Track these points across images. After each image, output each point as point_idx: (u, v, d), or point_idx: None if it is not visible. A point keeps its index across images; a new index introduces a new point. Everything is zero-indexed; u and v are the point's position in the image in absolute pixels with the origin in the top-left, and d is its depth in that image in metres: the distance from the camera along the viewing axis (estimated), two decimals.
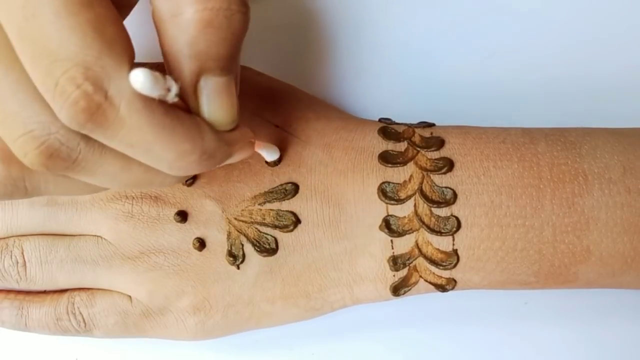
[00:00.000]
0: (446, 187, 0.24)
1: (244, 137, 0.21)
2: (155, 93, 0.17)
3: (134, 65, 0.17)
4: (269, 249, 0.25)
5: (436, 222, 0.24)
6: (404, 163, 0.25)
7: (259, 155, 0.24)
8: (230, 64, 0.19)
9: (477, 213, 0.24)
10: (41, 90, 0.17)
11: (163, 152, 0.18)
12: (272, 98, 0.27)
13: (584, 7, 0.31)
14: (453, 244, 0.24)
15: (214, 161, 0.19)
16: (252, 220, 0.25)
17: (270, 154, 0.24)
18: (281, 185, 0.25)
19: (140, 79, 0.16)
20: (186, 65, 0.18)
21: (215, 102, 0.19)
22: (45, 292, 0.27)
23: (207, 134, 0.18)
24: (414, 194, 0.24)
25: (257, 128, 0.26)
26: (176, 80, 0.18)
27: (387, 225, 0.24)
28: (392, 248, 0.25)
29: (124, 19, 0.22)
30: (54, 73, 0.16)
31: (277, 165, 0.25)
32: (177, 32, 0.18)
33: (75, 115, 0.16)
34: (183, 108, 0.18)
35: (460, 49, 0.31)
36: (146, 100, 0.17)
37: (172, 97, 0.17)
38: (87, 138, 0.18)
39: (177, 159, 0.18)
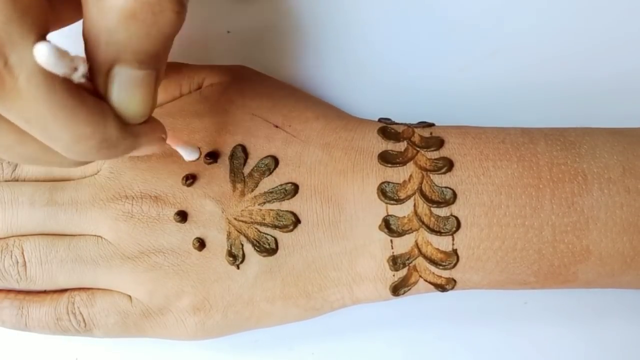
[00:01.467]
0: (446, 187, 0.24)
1: (153, 131, 0.20)
2: (59, 70, 0.16)
3: (44, 38, 0.16)
4: (268, 249, 0.25)
5: (436, 222, 0.24)
6: (404, 163, 0.25)
7: None
8: (150, 59, 0.18)
9: (477, 213, 0.24)
10: None
11: (60, 132, 0.17)
12: (271, 98, 0.27)
13: (584, 8, 0.31)
14: (453, 244, 0.24)
15: (116, 151, 0.19)
16: (252, 220, 0.25)
17: (188, 154, 0.24)
18: (281, 185, 0.25)
19: (44, 53, 0.15)
20: (102, 51, 0.17)
21: (126, 93, 0.18)
22: (45, 292, 0.27)
23: (111, 122, 0.18)
24: (413, 194, 0.24)
25: (256, 128, 0.26)
26: (90, 62, 0.17)
27: (387, 225, 0.24)
28: (392, 248, 0.25)
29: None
30: None
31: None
32: (99, 15, 0.17)
33: None
34: (92, 92, 0.18)
35: (460, 49, 0.31)
36: (48, 75, 0.16)
37: (78, 77, 0.16)
38: None
39: (74, 141, 0.17)
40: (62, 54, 0.16)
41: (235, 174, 0.25)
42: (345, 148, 0.26)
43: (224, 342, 0.28)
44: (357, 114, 0.28)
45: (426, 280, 0.25)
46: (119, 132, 0.18)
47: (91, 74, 0.18)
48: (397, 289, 0.25)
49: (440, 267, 0.24)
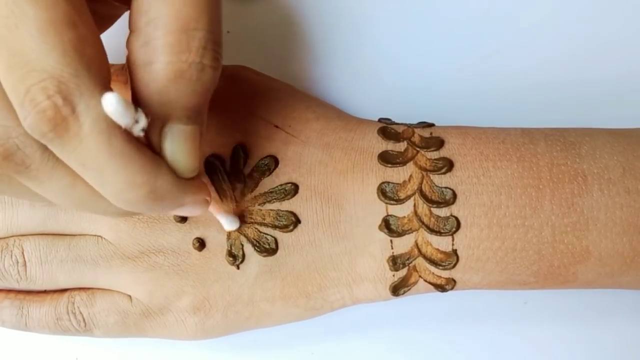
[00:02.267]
0: (446, 187, 0.24)
1: (200, 190, 0.21)
2: (123, 121, 0.17)
3: (108, 88, 0.17)
4: (268, 249, 0.25)
5: (436, 222, 0.24)
6: (404, 163, 0.25)
7: None
8: (197, 114, 0.19)
9: (477, 213, 0.24)
10: (10, 96, 0.17)
11: (113, 177, 0.18)
12: (271, 98, 0.27)
13: (584, 8, 0.31)
14: (452, 244, 0.24)
15: (162, 204, 0.20)
16: (252, 220, 0.25)
17: (229, 223, 0.24)
18: (281, 185, 0.25)
19: (112, 103, 0.16)
20: (155, 110, 0.19)
21: (178, 148, 0.19)
22: (45, 291, 0.27)
23: (163, 174, 0.19)
24: (413, 194, 0.24)
25: (256, 128, 0.26)
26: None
27: (387, 225, 0.24)
28: (392, 248, 0.25)
29: (106, 29, 0.23)
30: (28, 81, 0.17)
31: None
32: (149, 79, 0.18)
33: (39, 123, 0.17)
34: (147, 145, 0.19)
35: (460, 49, 0.31)
36: (111, 124, 0.17)
37: (138, 130, 0.18)
38: (44, 148, 0.18)
39: (125, 189, 0.18)
40: (127, 104, 0.17)
41: (235, 174, 0.25)
42: (345, 148, 0.26)
43: (224, 342, 0.28)
44: (357, 114, 0.28)
45: (426, 281, 0.25)
46: (170, 186, 0.19)
47: (145, 131, 0.19)
48: (397, 289, 0.25)
49: (440, 267, 0.24)
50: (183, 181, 0.20)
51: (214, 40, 0.19)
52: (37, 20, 0.16)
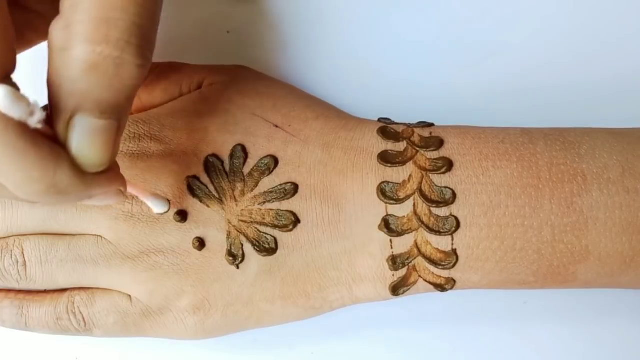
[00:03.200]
0: (445, 187, 0.24)
1: (109, 182, 0.20)
2: (14, 113, 0.16)
3: (6, 80, 0.17)
4: (268, 249, 0.25)
5: (435, 222, 0.24)
6: (403, 163, 0.25)
7: None
8: (112, 109, 0.18)
9: (476, 213, 0.24)
10: None
11: (9, 172, 0.17)
12: (271, 98, 0.27)
13: (583, 8, 0.31)
14: (452, 244, 0.24)
15: (65, 197, 0.19)
16: (252, 220, 0.25)
17: (157, 205, 0.24)
18: (281, 185, 0.25)
19: (1, 95, 0.16)
20: (64, 99, 0.18)
21: (85, 142, 0.18)
22: (45, 291, 0.27)
23: (62, 169, 0.18)
24: (413, 194, 0.24)
25: (256, 127, 0.26)
26: (52, 109, 0.18)
27: (387, 225, 0.24)
28: (392, 248, 0.25)
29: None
30: None
31: (164, 215, 0.25)
32: (62, 65, 0.17)
33: None
34: (49, 136, 0.18)
35: (459, 49, 0.31)
36: (2, 118, 0.16)
37: (34, 122, 0.17)
38: None
39: (22, 183, 0.18)
40: (19, 97, 0.16)
41: (235, 174, 0.25)
42: (345, 148, 0.26)
43: (224, 341, 0.28)
44: (357, 114, 0.28)
45: (425, 280, 0.25)
46: (69, 180, 0.18)
47: (53, 120, 0.18)
48: (397, 289, 0.25)
49: (440, 267, 0.24)
50: (88, 175, 0.19)
51: (141, 35, 0.18)
52: None
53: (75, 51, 0.17)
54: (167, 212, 0.24)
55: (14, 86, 0.17)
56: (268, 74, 0.29)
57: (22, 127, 0.17)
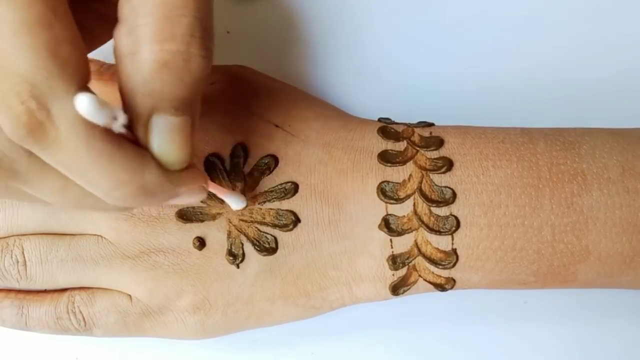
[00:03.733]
0: (445, 187, 0.24)
1: (194, 180, 0.20)
2: (99, 120, 0.17)
3: (85, 88, 0.17)
4: (268, 248, 0.25)
5: (435, 222, 0.24)
6: (404, 162, 0.25)
7: None
8: (185, 105, 0.19)
9: (476, 212, 0.24)
10: None
11: (99, 178, 0.18)
12: (271, 97, 0.27)
13: (583, 8, 0.31)
14: (452, 244, 0.24)
15: (155, 198, 0.19)
16: (252, 219, 0.25)
17: (235, 202, 0.24)
18: (281, 184, 0.25)
19: (84, 104, 0.16)
20: (140, 102, 0.18)
21: (165, 140, 0.19)
22: (45, 291, 0.27)
23: (150, 169, 0.18)
24: (413, 194, 0.24)
25: (256, 127, 0.26)
26: (130, 113, 0.18)
27: (387, 225, 0.24)
28: (392, 247, 0.25)
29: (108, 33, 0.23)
30: (2, 85, 0.16)
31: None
32: (133, 69, 0.18)
33: (16, 129, 0.17)
34: (132, 141, 0.19)
35: (460, 48, 0.31)
36: (89, 125, 0.17)
37: (118, 127, 0.17)
38: (29, 153, 0.18)
39: (113, 187, 0.18)
40: (102, 104, 0.16)
41: (235, 173, 0.25)
42: (345, 147, 0.26)
43: (224, 341, 0.28)
44: (357, 114, 0.28)
45: (426, 280, 0.25)
46: (158, 180, 0.19)
47: (131, 124, 0.18)
48: (397, 289, 0.25)
49: (440, 267, 0.24)
50: (174, 173, 0.19)
51: (203, 27, 0.18)
52: (11, 22, 0.16)
53: (144, 53, 0.17)
54: (245, 207, 0.24)
55: (93, 94, 0.18)
56: (268, 74, 0.29)
57: (107, 133, 0.17)
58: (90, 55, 0.23)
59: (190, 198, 0.21)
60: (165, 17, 0.17)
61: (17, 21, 0.16)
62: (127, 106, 0.18)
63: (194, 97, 0.19)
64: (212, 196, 0.25)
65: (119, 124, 0.17)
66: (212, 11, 0.19)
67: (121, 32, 0.18)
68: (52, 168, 0.18)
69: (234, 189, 0.25)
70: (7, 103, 0.16)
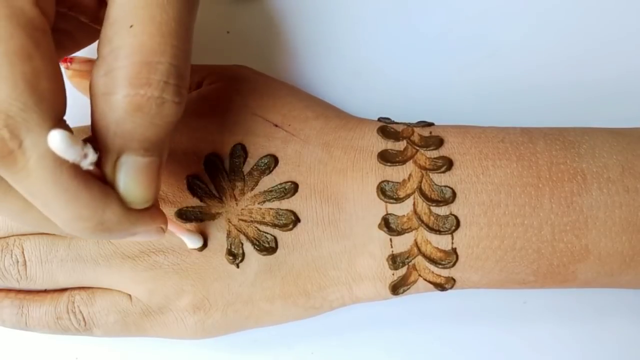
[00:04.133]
0: (445, 186, 0.24)
1: (152, 220, 0.21)
2: (69, 156, 0.17)
3: (60, 123, 0.17)
4: (268, 248, 0.25)
5: (435, 221, 0.24)
6: (403, 162, 0.25)
7: None
8: (154, 147, 0.19)
9: (476, 212, 0.24)
10: None
11: (61, 211, 0.18)
12: (271, 97, 0.27)
13: (583, 8, 0.31)
14: (452, 243, 0.24)
15: (110, 234, 0.20)
16: (252, 219, 0.25)
17: (192, 241, 0.25)
18: (280, 184, 0.25)
19: (56, 140, 0.16)
20: (110, 141, 0.19)
21: (131, 179, 0.19)
22: (45, 291, 0.27)
23: (111, 208, 0.19)
24: (413, 193, 0.24)
25: (256, 127, 0.26)
26: (99, 150, 0.18)
27: (387, 224, 0.24)
28: (391, 247, 0.25)
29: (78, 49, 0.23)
30: None
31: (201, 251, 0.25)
32: (107, 109, 0.18)
33: None
34: (99, 177, 0.19)
35: (459, 48, 0.31)
36: (57, 160, 0.17)
37: (86, 165, 0.17)
38: None
39: (72, 220, 0.18)
40: (74, 141, 0.17)
41: (235, 173, 0.25)
42: (344, 147, 0.26)
43: (224, 341, 0.28)
44: (357, 114, 0.28)
45: (425, 279, 0.25)
46: (117, 219, 0.19)
47: (100, 161, 0.19)
48: (397, 288, 0.25)
49: (440, 266, 0.24)
50: (134, 213, 0.20)
51: (178, 74, 0.19)
52: None
53: (119, 95, 0.18)
54: (201, 247, 0.25)
55: (67, 129, 0.18)
56: (268, 74, 0.29)
57: (75, 170, 0.18)
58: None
59: (147, 237, 0.22)
60: (142, 62, 0.18)
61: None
62: (98, 143, 0.19)
63: (164, 139, 0.19)
64: (211, 195, 0.25)
65: (88, 161, 0.17)
66: (190, 57, 0.20)
67: (99, 72, 0.18)
68: (15, 192, 0.18)
69: (234, 188, 0.25)
70: None
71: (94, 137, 0.19)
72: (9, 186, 0.18)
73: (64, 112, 0.18)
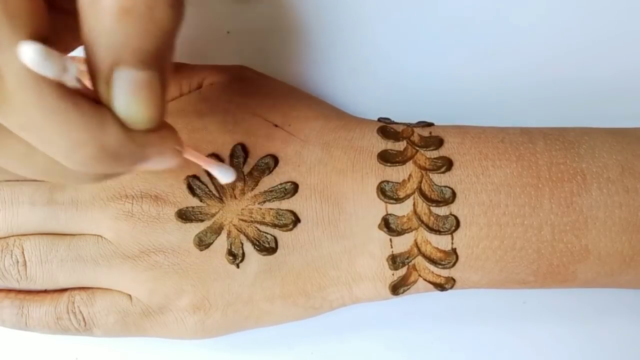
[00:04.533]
0: (445, 186, 0.24)
1: (164, 140, 0.19)
2: (47, 71, 0.15)
3: (38, 38, 0.15)
4: (268, 248, 0.25)
5: (435, 221, 0.24)
6: (403, 162, 0.25)
7: None
8: (152, 58, 0.17)
9: (476, 212, 0.24)
10: None
11: (55, 138, 0.16)
12: (271, 97, 0.27)
13: (584, 7, 0.31)
14: (452, 243, 0.24)
15: (120, 161, 0.18)
16: (252, 219, 0.25)
17: (223, 175, 0.22)
18: (281, 184, 0.25)
19: (29, 53, 0.15)
20: (101, 54, 0.16)
21: (129, 96, 0.17)
22: (45, 291, 0.27)
23: (110, 128, 0.17)
24: (413, 193, 0.24)
25: (256, 127, 0.26)
26: (91, 68, 0.17)
27: (386, 224, 0.24)
28: (391, 247, 0.25)
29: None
30: None
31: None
32: (94, 20, 0.16)
33: None
34: (90, 96, 0.17)
35: (459, 48, 0.31)
36: (38, 78, 0.15)
37: (70, 80, 0.16)
38: None
39: (71, 149, 0.17)
40: (49, 54, 0.15)
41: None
42: (344, 147, 0.26)
43: (224, 341, 0.28)
44: (357, 114, 0.28)
45: (425, 280, 0.25)
46: (120, 140, 0.17)
47: (93, 80, 0.17)
48: (397, 288, 0.25)
49: (440, 266, 0.25)
50: (139, 133, 0.18)
51: None
52: None
53: (106, 0, 0.16)
54: (234, 180, 0.22)
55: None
56: (268, 74, 0.29)
57: (59, 88, 0.16)
58: None
59: (162, 162, 0.19)
60: None
61: None
62: (89, 60, 0.17)
63: (161, 50, 0.17)
64: (211, 195, 0.25)
65: (70, 75, 0.16)
66: None
67: None
68: (13, 135, 0.17)
69: (234, 188, 0.25)
70: None
71: (85, 55, 0.17)
72: (7, 131, 0.17)
73: (42, 31, 0.16)
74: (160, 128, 0.18)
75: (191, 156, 0.21)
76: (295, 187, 0.25)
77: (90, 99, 0.17)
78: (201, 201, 0.25)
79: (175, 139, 0.19)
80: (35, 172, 0.19)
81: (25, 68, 0.15)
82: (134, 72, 0.17)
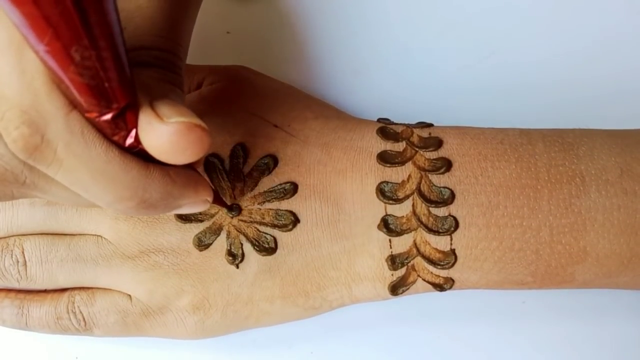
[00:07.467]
0: (444, 187, 0.24)
1: (197, 194, 0.21)
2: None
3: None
4: (268, 248, 0.25)
5: (434, 222, 0.24)
6: (403, 163, 0.25)
7: None
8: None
9: (475, 213, 0.24)
10: None
11: (100, 194, 0.18)
12: (270, 98, 0.27)
13: (583, 8, 0.32)
14: (451, 244, 0.24)
15: (155, 210, 0.19)
16: (252, 219, 0.25)
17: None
18: (280, 184, 0.25)
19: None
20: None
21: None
22: (45, 291, 0.27)
23: (152, 185, 0.18)
24: (412, 194, 0.24)
25: (256, 127, 0.26)
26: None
27: (386, 225, 0.24)
28: (391, 247, 0.25)
29: None
30: (1, 108, 0.16)
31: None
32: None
33: (16, 151, 0.17)
34: (141, 152, 0.18)
35: (458, 49, 0.31)
36: (86, 145, 0.17)
37: (126, 139, 0.17)
38: (31, 166, 0.18)
39: (114, 202, 0.18)
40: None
41: (235, 174, 0.25)
42: (344, 148, 0.26)
43: (223, 341, 0.28)
44: (357, 114, 0.29)
45: (424, 280, 0.25)
46: (159, 194, 0.19)
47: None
48: (396, 289, 0.25)
49: (439, 267, 0.25)
50: (177, 187, 0.19)
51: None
52: (1, 40, 0.16)
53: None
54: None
55: None
56: (268, 74, 0.29)
57: (108, 151, 0.17)
58: None
59: (192, 209, 0.21)
60: None
61: (3, 39, 0.16)
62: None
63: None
64: None
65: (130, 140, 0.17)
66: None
67: None
68: (56, 182, 0.18)
69: (233, 189, 0.25)
70: (5, 125, 0.16)
71: None
72: (51, 177, 0.18)
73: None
74: (196, 180, 0.20)
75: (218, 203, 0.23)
76: (294, 188, 0.25)
77: (139, 158, 0.18)
78: None
79: (208, 190, 0.21)
80: (80, 206, 0.21)
81: (73, 137, 0.16)
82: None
